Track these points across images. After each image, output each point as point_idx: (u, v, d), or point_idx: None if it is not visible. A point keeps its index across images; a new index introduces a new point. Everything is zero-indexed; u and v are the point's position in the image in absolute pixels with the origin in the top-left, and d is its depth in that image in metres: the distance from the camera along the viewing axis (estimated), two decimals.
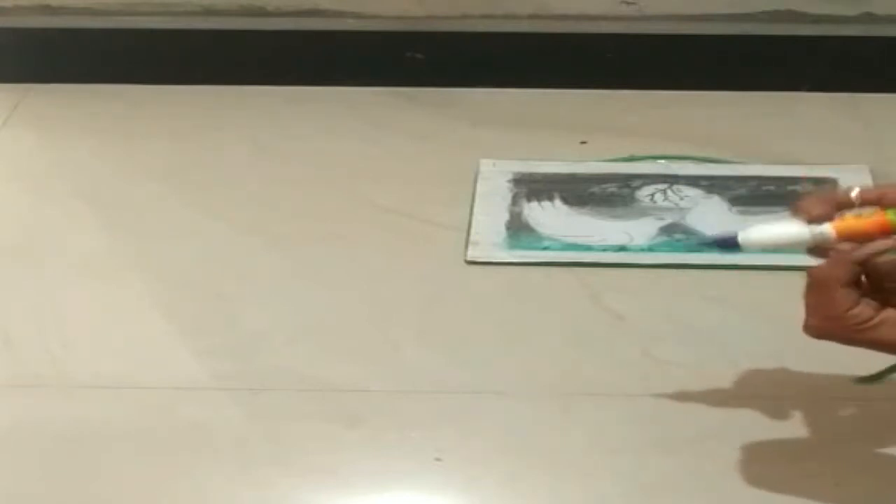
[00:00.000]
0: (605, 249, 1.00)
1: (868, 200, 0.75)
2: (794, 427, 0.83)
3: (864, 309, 0.72)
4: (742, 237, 0.75)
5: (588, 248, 1.01)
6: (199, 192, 1.09)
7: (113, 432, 0.84)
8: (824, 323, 0.73)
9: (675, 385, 0.87)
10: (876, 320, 0.72)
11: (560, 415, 0.85)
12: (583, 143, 1.15)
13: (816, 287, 0.73)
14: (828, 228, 0.74)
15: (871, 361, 0.87)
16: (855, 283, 0.72)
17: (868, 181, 1.06)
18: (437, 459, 0.82)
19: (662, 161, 1.12)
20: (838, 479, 0.79)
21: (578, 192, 1.07)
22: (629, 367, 0.89)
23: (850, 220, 0.74)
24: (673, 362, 0.89)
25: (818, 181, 1.07)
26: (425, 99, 1.22)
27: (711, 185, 1.07)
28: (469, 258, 1.00)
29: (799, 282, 0.94)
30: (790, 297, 0.95)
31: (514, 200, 1.07)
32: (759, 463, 0.80)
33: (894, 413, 0.85)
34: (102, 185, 1.11)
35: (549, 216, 1.05)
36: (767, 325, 0.92)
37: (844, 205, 0.75)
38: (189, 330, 0.94)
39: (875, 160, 1.09)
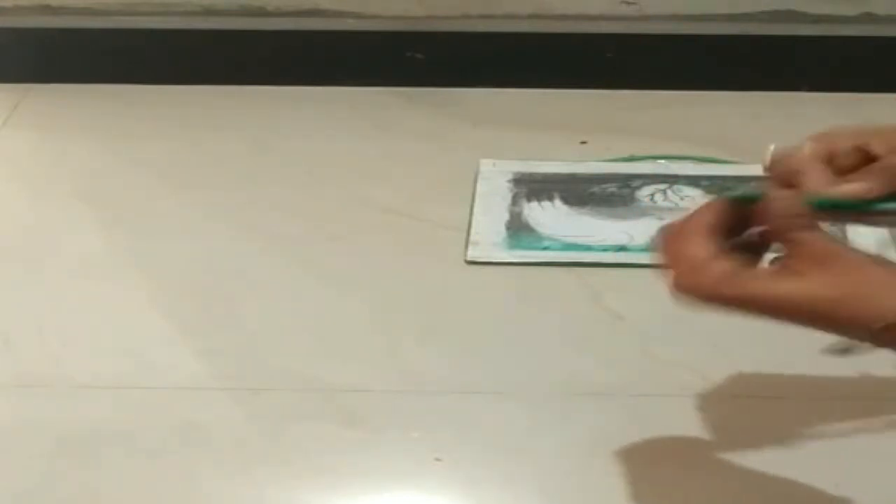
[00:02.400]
0: (605, 249, 1.00)
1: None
2: (794, 427, 0.83)
3: (731, 261, 0.65)
4: None
5: (588, 248, 1.01)
6: (199, 193, 1.09)
7: (113, 432, 0.84)
8: (684, 274, 0.66)
9: (675, 385, 0.87)
10: (749, 272, 0.65)
11: (560, 415, 0.85)
12: (583, 143, 1.15)
13: (674, 238, 0.68)
14: None
15: (871, 356, 0.87)
16: (726, 236, 0.67)
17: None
18: (437, 459, 0.82)
19: (662, 161, 1.12)
20: (838, 480, 0.79)
21: (578, 192, 1.07)
22: (629, 367, 0.89)
23: None
24: (673, 362, 0.89)
25: None
26: (425, 99, 1.22)
27: (711, 185, 1.07)
28: (469, 258, 1.00)
29: None
30: None
31: (514, 200, 1.07)
32: (759, 463, 0.80)
33: (894, 412, 0.85)
34: (102, 185, 1.11)
35: (549, 216, 1.05)
36: (767, 325, 0.92)
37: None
38: (189, 330, 0.94)
39: None
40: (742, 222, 0.69)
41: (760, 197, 0.69)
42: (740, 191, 0.70)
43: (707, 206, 0.69)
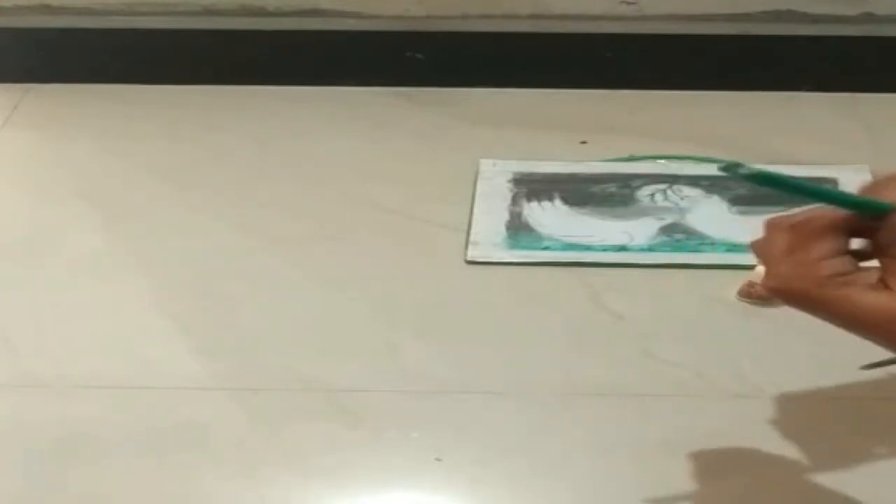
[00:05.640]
0: (605, 249, 1.00)
1: None
2: (793, 427, 0.83)
3: (841, 263, 0.64)
4: None
5: (588, 248, 1.01)
6: (200, 192, 1.09)
7: (113, 432, 0.84)
8: (791, 271, 0.64)
9: (675, 385, 0.87)
10: (849, 277, 0.64)
11: (560, 415, 0.85)
12: (583, 143, 1.15)
13: (799, 227, 0.65)
14: None
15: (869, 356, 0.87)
16: (844, 239, 0.65)
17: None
18: (437, 459, 0.82)
19: (662, 161, 1.12)
20: (838, 479, 0.79)
21: (578, 192, 1.07)
22: (629, 367, 0.89)
23: None
24: (673, 362, 0.89)
25: (818, 181, 1.07)
26: (425, 99, 1.22)
27: (711, 185, 1.07)
28: (469, 258, 1.00)
29: None
30: None
31: (514, 200, 1.07)
32: (760, 462, 0.81)
33: (894, 412, 0.85)
34: (102, 185, 1.11)
35: (549, 216, 1.05)
36: (768, 325, 0.92)
37: None
38: (189, 330, 0.94)
39: (875, 160, 1.09)
40: (863, 228, 0.66)
41: (888, 208, 0.65)
42: (870, 199, 0.66)
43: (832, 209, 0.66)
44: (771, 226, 0.68)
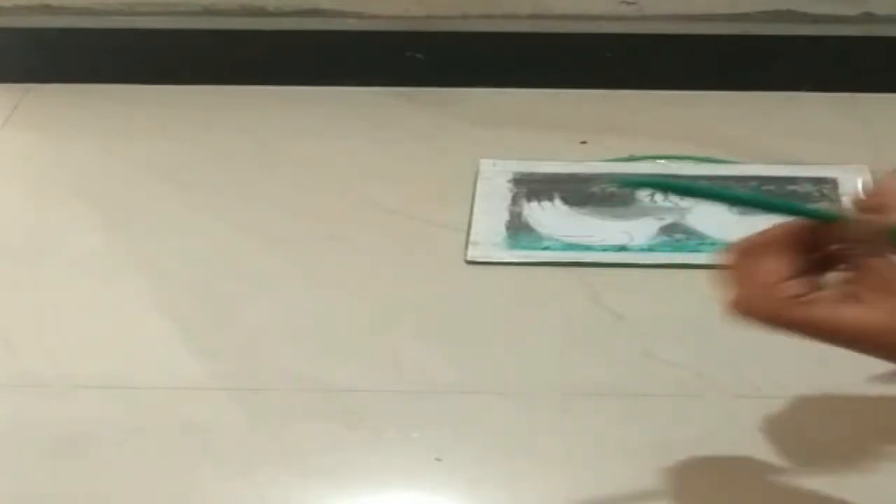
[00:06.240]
0: (605, 249, 1.00)
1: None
2: (793, 427, 0.83)
3: (799, 284, 0.65)
4: None
5: (588, 248, 1.01)
6: (200, 192, 1.09)
7: (112, 432, 0.84)
8: (751, 293, 0.65)
9: (675, 385, 0.87)
10: (810, 297, 0.65)
11: (560, 415, 0.85)
12: (583, 143, 1.15)
13: (748, 251, 0.66)
14: None
15: (869, 365, 0.87)
16: (798, 255, 0.66)
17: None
18: (437, 459, 0.82)
19: (662, 161, 1.12)
20: (838, 479, 0.79)
21: (578, 192, 1.07)
22: (629, 367, 0.89)
23: None
24: (673, 362, 0.89)
25: (818, 181, 1.07)
26: (425, 99, 1.22)
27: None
28: (469, 258, 1.00)
29: None
30: None
31: (514, 200, 1.07)
32: (760, 463, 0.80)
33: (894, 412, 0.85)
34: (102, 185, 1.11)
35: (549, 216, 1.05)
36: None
37: None
38: (189, 330, 0.94)
39: (875, 160, 1.09)
40: (814, 241, 0.67)
41: (840, 217, 0.66)
42: (821, 209, 0.68)
43: (784, 224, 0.67)
44: (731, 252, 0.68)
